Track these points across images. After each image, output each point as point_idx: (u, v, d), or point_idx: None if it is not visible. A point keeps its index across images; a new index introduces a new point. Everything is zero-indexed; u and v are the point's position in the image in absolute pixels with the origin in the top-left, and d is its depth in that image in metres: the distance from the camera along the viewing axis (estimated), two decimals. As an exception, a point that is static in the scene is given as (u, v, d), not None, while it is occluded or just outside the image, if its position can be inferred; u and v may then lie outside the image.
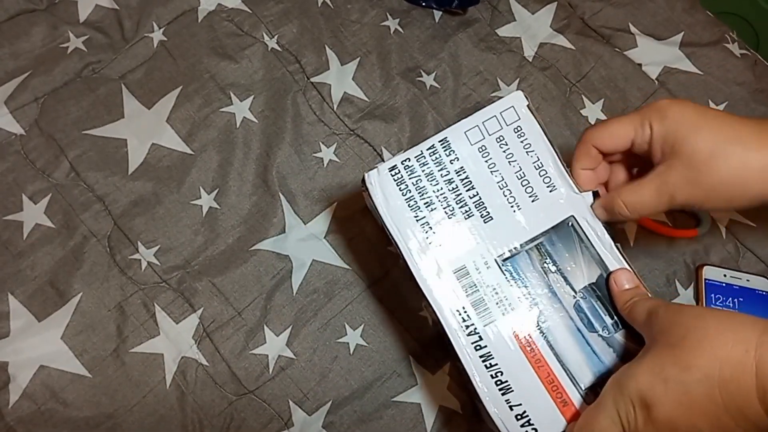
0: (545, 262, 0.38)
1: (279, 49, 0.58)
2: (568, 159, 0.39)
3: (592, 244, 0.38)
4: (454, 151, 0.39)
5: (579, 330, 0.37)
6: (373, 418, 0.47)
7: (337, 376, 0.48)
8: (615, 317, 0.37)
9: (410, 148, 0.40)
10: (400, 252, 0.38)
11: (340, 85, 0.57)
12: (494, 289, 0.37)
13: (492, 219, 0.38)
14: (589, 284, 0.37)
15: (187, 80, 0.55)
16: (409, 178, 0.39)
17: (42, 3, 0.57)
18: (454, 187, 0.38)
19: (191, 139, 0.54)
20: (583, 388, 0.36)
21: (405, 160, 0.39)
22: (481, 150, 0.39)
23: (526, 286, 0.37)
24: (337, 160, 0.55)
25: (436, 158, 0.39)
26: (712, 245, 0.55)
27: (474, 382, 0.36)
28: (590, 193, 0.38)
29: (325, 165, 0.54)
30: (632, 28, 0.64)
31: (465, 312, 0.37)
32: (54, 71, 0.54)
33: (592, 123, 0.59)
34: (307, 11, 0.59)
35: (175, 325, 0.48)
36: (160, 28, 0.57)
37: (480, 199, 0.38)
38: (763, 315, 0.50)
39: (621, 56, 0.62)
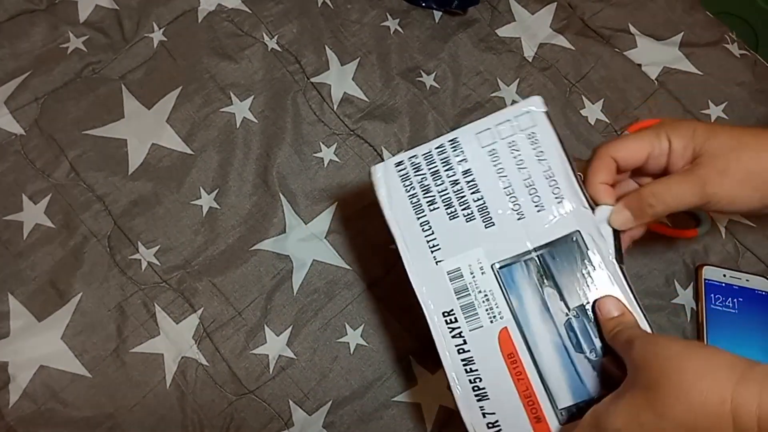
0: (542, 276, 0.37)
1: (279, 49, 0.58)
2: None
3: (593, 262, 0.36)
4: (463, 152, 0.38)
5: (566, 349, 0.36)
6: (374, 418, 0.47)
7: (337, 375, 0.48)
8: (603, 341, 0.36)
9: (419, 145, 0.39)
10: (397, 247, 0.38)
11: (340, 85, 0.57)
12: (486, 295, 0.36)
13: (494, 225, 0.37)
14: (585, 303, 0.36)
15: (187, 80, 0.55)
16: (415, 175, 0.38)
17: (42, 3, 0.57)
18: (459, 188, 0.38)
19: (191, 139, 0.54)
20: (559, 408, 0.35)
21: (412, 157, 0.38)
22: (490, 153, 0.38)
23: (518, 297, 0.36)
24: (338, 160, 0.55)
25: (444, 158, 0.38)
26: (711, 245, 0.55)
27: (451, 385, 0.36)
28: (608, 206, 0.37)
29: (325, 165, 0.54)
30: (632, 29, 0.64)
31: (452, 314, 0.37)
32: (54, 71, 0.54)
33: (592, 123, 0.59)
34: (307, 11, 0.59)
35: (175, 325, 0.48)
36: (160, 29, 0.57)
37: (484, 203, 0.37)
38: (763, 315, 0.51)
39: (621, 56, 0.62)
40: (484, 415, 0.35)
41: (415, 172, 0.38)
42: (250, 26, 0.58)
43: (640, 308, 0.35)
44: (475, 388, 0.36)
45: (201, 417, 0.46)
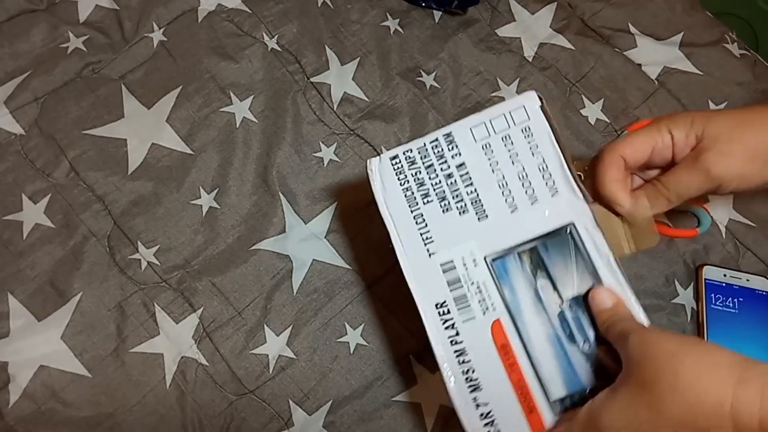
0: (536, 267, 0.37)
1: (279, 49, 0.58)
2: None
3: (588, 253, 0.36)
4: (457, 146, 0.38)
5: (559, 340, 0.36)
6: (374, 418, 0.47)
7: (337, 375, 0.48)
8: (597, 332, 0.36)
9: (415, 139, 0.39)
10: (390, 240, 0.38)
11: (340, 85, 0.57)
12: (478, 287, 0.37)
13: (487, 217, 0.37)
14: (578, 295, 0.36)
15: (187, 80, 0.55)
16: (409, 169, 0.39)
17: (42, 3, 0.57)
18: (453, 182, 0.38)
19: (191, 139, 0.54)
20: (552, 399, 0.35)
21: (407, 151, 0.39)
22: (485, 147, 0.38)
23: (511, 289, 0.37)
24: (338, 159, 0.55)
25: (439, 152, 0.39)
26: (712, 245, 0.55)
27: (444, 376, 0.36)
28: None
29: (325, 165, 0.54)
30: (632, 29, 0.64)
31: (445, 306, 0.37)
32: (54, 71, 0.54)
33: (593, 123, 0.59)
34: (307, 11, 0.60)
35: (175, 325, 0.48)
36: (160, 28, 0.57)
37: (477, 196, 0.38)
38: (763, 315, 0.51)
39: (621, 56, 0.62)
40: (477, 405, 0.36)
41: (409, 165, 0.39)
42: (250, 26, 0.58)
43: (635, 300, 0.35)
44: (468, 379, 0.36)
45: (201, 417, 0.46)
